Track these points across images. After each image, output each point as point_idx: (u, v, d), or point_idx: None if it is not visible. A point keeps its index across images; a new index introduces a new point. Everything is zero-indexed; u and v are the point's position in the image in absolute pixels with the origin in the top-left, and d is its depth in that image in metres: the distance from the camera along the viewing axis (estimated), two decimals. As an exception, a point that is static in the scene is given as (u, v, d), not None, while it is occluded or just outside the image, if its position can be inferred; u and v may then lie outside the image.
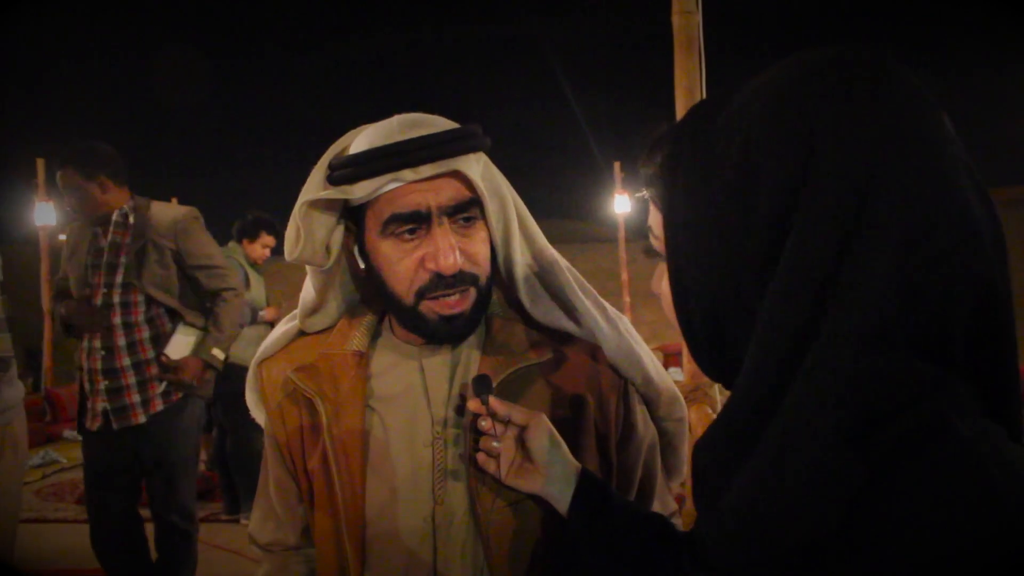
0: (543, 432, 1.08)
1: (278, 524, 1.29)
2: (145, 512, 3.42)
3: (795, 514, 0.61)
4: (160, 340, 3.27)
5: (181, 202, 4.00)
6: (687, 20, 2.87)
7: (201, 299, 3.38)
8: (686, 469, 1.34)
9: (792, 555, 0.62)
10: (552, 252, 1.21)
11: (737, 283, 0.68)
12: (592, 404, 1.18)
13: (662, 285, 0.80)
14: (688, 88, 2.87)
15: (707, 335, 0.72)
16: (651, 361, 1.24)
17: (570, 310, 1.21)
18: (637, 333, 1.27)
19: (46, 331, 9.26)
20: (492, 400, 1.08)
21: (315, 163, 1.16)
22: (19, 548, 2.75)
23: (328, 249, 1.17)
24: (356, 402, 1.17)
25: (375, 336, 1.25)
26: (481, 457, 1.10)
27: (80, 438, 3.40)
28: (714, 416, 2.44)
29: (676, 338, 1.55)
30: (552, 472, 1.06)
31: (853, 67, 0.66)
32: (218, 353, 3.37)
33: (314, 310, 1.27)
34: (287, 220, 1.16)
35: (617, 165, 11.21)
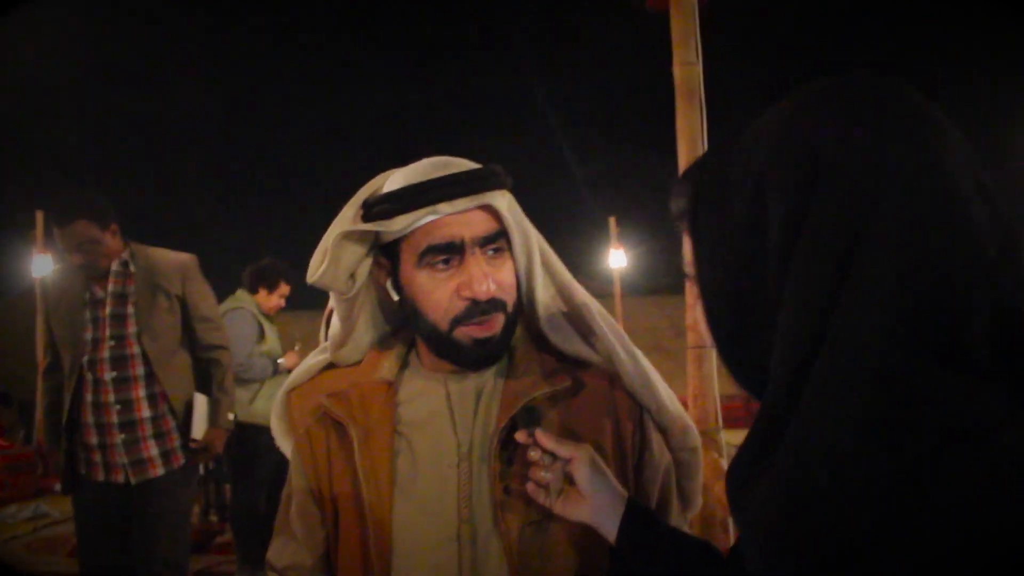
0: (587, 463, 1.11)
1: (297, 548, 1.31)
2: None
3: (821, 521, 0.61)
4: (171, 395, 3.17)
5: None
6: (689, 71, 2.92)
7: (195, 353, 3.30)
8: (700, 500, 1.36)
9: (825, 564, 0.62)
10: (572, 283, 1.28)
11: (757, 306, 0.71)
12: (610, 429, 1.23)
13: (696, 309, 0.83)
14: (691, 139, 2.92)
15: (737, 355, 0.76)
16: (665, 391, 1.29)
17: (588, 337, 1.27)
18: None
19: (39, 384, 9.12)
20: (539, 433, 1.12)
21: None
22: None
23: (353, 278, 1.24)
24: (385, 427, 1.22)
25: (403, 366, 1.31)
26: (531, 487, 1.13)
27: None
28: (721, 461, 2.43)
29: (679, 389, 1.57)
30: (600, 500, 1.09)
31: (857, 93, 0.68)
32: (231, 416, 3.34)
33: (343, 343, 1.32)
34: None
35: (612, 220, 11.30)
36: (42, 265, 8.89)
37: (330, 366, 1.36)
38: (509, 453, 1.19)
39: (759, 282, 0.70)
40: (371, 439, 1.22)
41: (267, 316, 4.92)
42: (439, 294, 1.17)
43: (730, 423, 3.11)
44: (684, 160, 2.95)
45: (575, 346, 1.27)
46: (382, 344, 1.33)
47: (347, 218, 1.21)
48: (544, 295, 1.27)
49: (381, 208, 1.17)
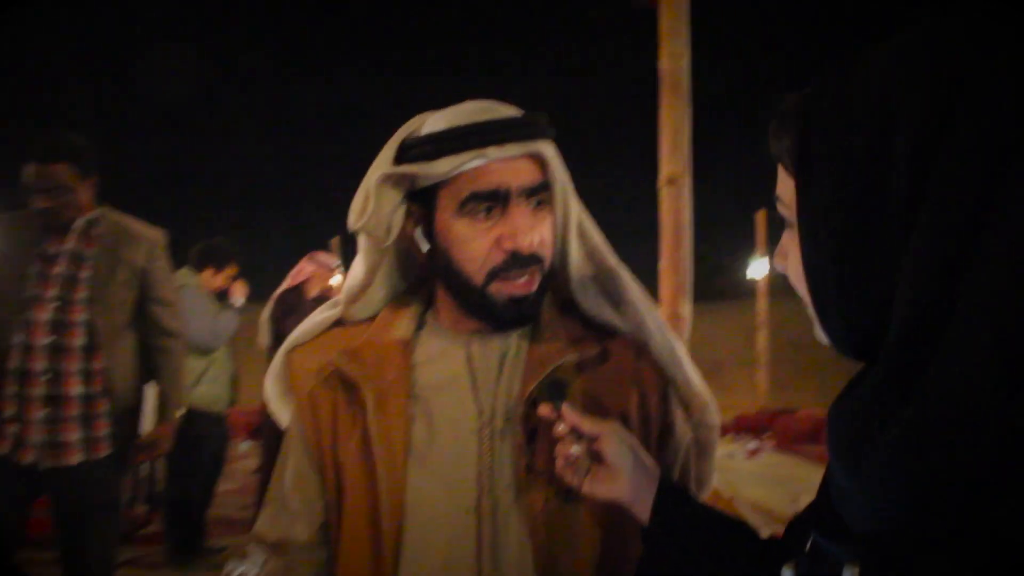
0: (618, 440, 1.05)
1: (292, 520, 1.23)
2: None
3: (959, 472, 0.57)
4: (111, 376, 2.83)
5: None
6: (676, 63, 2.90)
7: (146, 338, 2.97)
8: (712, 481, 1.32)
9: (960, 514, 0.58)
10: (604, 246, 1.22)
11: (873, 252, 0.65)
12: (636, 401, 1.18)
13: (788, 256, 0.77)
14: (675, 131, 2.89)
15: (839, 305, 0.69)
16: (689, 364, 1.24)
17: (618, 304, 1.21)
18: None
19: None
20: (565, 408, 1.05)
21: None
22: None
23: (389, 228, 1.15)
24: (401, 390, 1.15)
25: (419, 326, 1.23)
26: (559, 465, 1.06)
27: None
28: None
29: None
30: (631, 478, 1.03)
31: (1012, 20, 0.62)
32: (181, 411, 3.08)
33: (358, 297, 1.24)
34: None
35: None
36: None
37: (335, 325, 1.27)
38: (533, 423, 1.12)
39: (879, 225, 0.64)
40: (386, 402, 1.13)
41: (214, 295, 4.73)
42: (477, 244, 1.10)
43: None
44: (667, 153, 2.92)
45: (604, 312, 1.22)
46: (397, 302, 1.25)
47: (386, 160, 1.13)
48: (576, 257, 1.20)
49: (423, 149, 1.09)
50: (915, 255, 0.61)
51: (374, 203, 1.11)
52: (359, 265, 1.22)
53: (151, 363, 3.02)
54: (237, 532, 5.64)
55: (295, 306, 4.90)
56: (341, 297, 1.26)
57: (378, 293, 1.24)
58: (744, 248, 13.50)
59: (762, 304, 13.42)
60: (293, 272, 5.12)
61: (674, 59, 2.92)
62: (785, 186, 0.76)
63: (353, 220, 1.14)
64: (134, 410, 2.96)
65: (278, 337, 4.85)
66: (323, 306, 1.30)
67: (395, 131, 1.17)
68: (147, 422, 3.00)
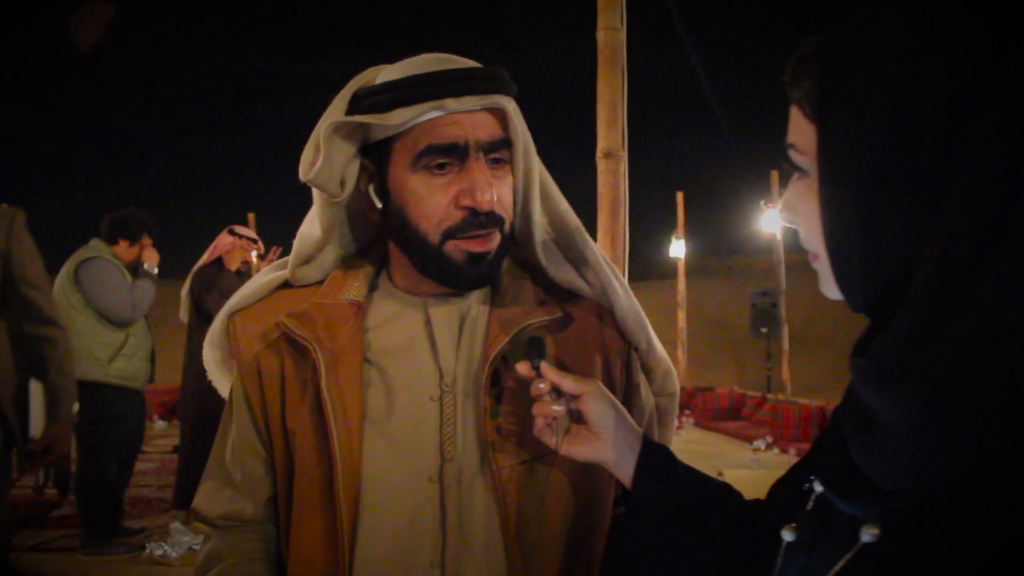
0: (601, 399, 1.01)
1: (234, 494, 1.16)
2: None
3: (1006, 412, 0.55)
4: None
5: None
6: (612, 36, 2.88)
7: (21, 327, 2.68)
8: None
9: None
10: (570, 211, 1.18)
11: (902, 203, 0.63)
12: (600, 366, 1.15)
13: (799, 208, 0.74)
14: (611, 103, 2.88)
15: (863, 251, 0.66)
16: (652, 330, 1.22)
17: (583, 268, 1.18)
18: None
19: None
20: (544, 366, 1.02)
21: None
22: None
23: (343, 182, 1.09)
24: (354, 354, 1.09)
25: (372, 288, 1.18)
26: (538, 425, 1.03)
27: None
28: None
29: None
30: (614, 438, 1.00)
31: None
32: (75, 407, 2.81)
33: (310, 257, 1.18)
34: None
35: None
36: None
37: (282, 288, 1.20)
38: (498, 387, 1.08)
39: (910, 169, 0.61)
40: (339, 365, 1.08)
41: (128, 268, 4.52)
42: (434, 201, 1.05)
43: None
44: (603, 127, 2.91)
45: (568, 275, 1.18)
46: (348, 263, 1.19)
47: (337, 110, 1.07)
48: (540, 219, 1.16)
49: (377, 99, 1.03)
50: (954, 200, 0.59)
51: (324, 154, 1.05)
52: (314, 223, 1.16)
53: (33, 356, 2.72)
54: (155, 512, 5.48)
55: (215, 280, 4.77)
56: (291, 258, 1.19)
57: (329, 256, 1.19)
58: (665, 228, 13.69)
59: (681, 284, 13.67)
60: (212, 246, 4.99)
61: (610, 32, 2.90)
62: (801, 132, 0.72)
63: (303, 172, 1.07)
64: (16, 410, 2.65)
65: (199, 312, 4.71)
66: (267, 268, 1.23)
67: (318, 108, 1.10)
68: (35, 425, 2.69)
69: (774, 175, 11.94)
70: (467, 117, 1.04)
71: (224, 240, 4.98)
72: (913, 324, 0.60)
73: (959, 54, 0.59)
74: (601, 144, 2.91)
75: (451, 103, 1.02)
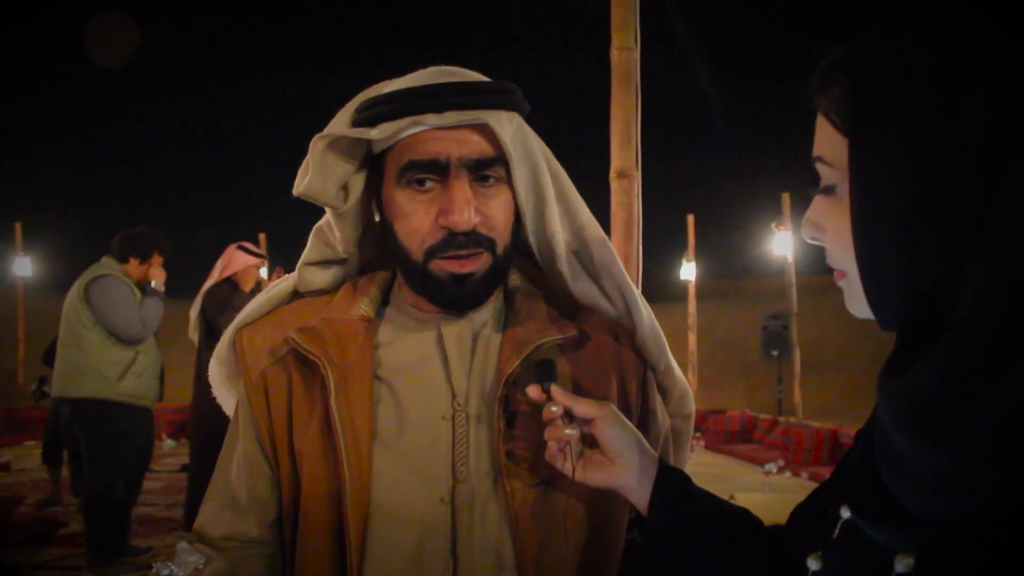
0: (615, 423, 0.99)
1: (238, 514, 1.13)
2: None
3: None
4: None
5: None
6: (627, 55, 2.88)
7: None
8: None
9: None
10: (596, 227, 1.16)
11: (941, 215, 0.60)
12: (615, 386, 1.13)
13: (826, 224, 0.71)
14: (625, 122, 2.87)
15: (899, 266, 0.63)
16: (669, 351, 1.20)
17: (607, 284, 1.15)
18: None
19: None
20: (555, 389, 0.99)
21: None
22: None
23: (346, 191, 1.09)
24: (365, 370, 1.07)
25: (383, 304, 1.16)
26: (550, 450, 1.00)
27: None
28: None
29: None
30: (630, 464, 0.98)
31: None
32: None
33: (321, 257, 1.17)
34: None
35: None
36: (22, 266, 13.27)
37: (289, 301, 1.19)
38: (512, 408, 1.06)
39: (952, 179, 0.58)
40: (349, 383, 1.05)
41: (138, 286, 4.51)
42: (417, 220, 1.03)
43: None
44: (617, 146, 2.90)
45: (591, 293, 1.16)
46: (358, 279, 1.17)
47: (334, 124, 1.07)
48: (562, 234, 1.13)
49: (367, 113, 1.03)
50: (1002, 213, 0.56)
51: (314, 168, 1.05)
52: (332, 228, 1.14)
53: None
54: (162, 532, 5.46)
55: (229, 299, 4.71)
56: (303, 255, 1.18)
57: (340, 266, 1.18)
58: (676, 250, 13.65)
59: (692, 307, 13.61)
60: (220, 263, 4.92)
61: (624, 51, 2.90)
62: (829, 144, 0.69)
63: (295, 186, 1.08)
64: None
65: (212, 332, 4.68)
66: (273, 283, 1.22)
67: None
68: None
69: (785, 197, 11.90)
70: (449, 133, 1.02)
71: (238, 258, 4.89)
72: (961, 360, 0.56)
73: (1006, 58, 0.57)
74: (615, 164, 2.89)
75: (431, 118, 1.00)
